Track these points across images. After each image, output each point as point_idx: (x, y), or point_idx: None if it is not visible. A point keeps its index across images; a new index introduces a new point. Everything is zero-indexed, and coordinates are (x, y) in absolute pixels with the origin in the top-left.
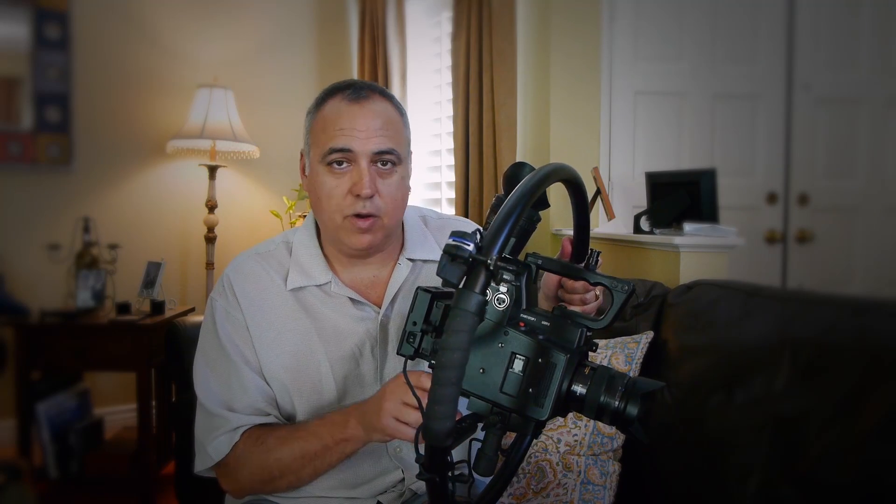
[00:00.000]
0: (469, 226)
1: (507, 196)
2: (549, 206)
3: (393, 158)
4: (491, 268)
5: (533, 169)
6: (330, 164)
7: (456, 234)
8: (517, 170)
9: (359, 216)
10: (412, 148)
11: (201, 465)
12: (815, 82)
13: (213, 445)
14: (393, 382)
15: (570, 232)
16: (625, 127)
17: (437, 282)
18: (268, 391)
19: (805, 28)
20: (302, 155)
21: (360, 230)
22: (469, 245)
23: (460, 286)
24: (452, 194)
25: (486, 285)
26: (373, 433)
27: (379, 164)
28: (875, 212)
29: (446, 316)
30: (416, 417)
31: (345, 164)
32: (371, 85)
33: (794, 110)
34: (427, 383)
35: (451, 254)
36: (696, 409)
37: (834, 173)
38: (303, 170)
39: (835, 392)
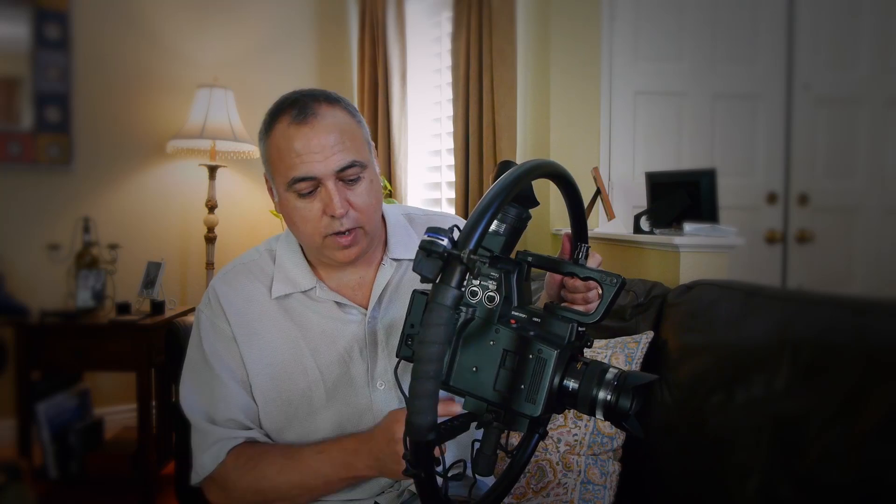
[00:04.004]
0: (456, 221)
1: None
2: (538, 203)
3: (357, 170)
4: (465, 261)
5: None
6: (297, 191)
7: (431, 230)
8: (503, 169)
9: (339, 234)
10: (410, 147)
11: (193, 478)
12: (815, 82)
13: (199, 461)
14: (397, 423)
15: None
16: (625, 127)
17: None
18: (249, 405)
19: (805, 28)
20: (266, 179)
21: (343, 246)
22: (444, 240)
23: (436, 281)
24: (452, 194)
25: (461, 279)
26: (386, 473)
27: (345, 179)
28: (875, 212)
29: None
30: None
31: (312, 189)
32: (314, 94)
33: (794, 110)
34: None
35: (427, 249)
36: (696, 409)
37: (834, 173)
38: (270, 192)
39: (835, 392)
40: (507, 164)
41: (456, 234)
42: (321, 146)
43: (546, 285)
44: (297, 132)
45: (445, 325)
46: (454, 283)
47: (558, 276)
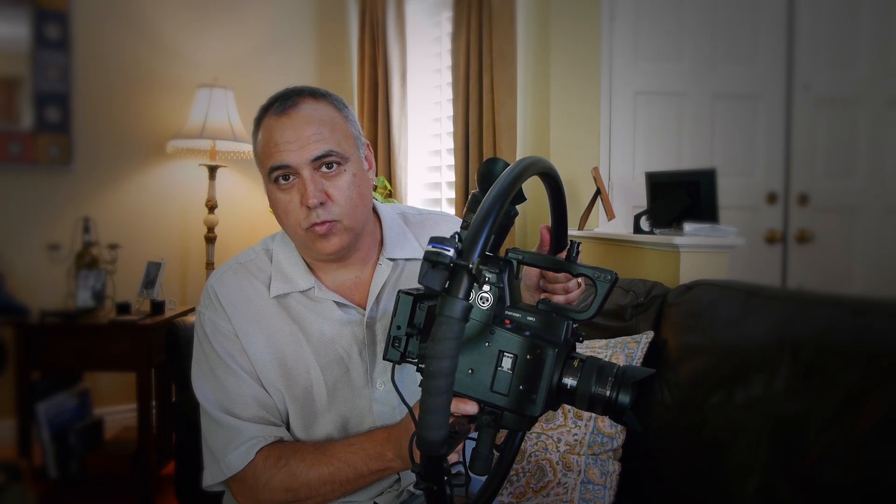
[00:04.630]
0: (450, 222)
1: (482, 192)
2: (525, 199)
3: (335, 159)
4: (473, 272)
5: (506, 164)
6: (276, 181)
7: (435, 240)
8: (490, 167)
9: (316, 224)
10: (410, 147)
11: (212, 478)
12: (815, 82)
13: (226, 460)
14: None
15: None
16: (625, 127)
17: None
18: (266, 399)
19: (805, 28)
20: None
21: (321, 236)
22: (449, 250)
23: (443, 293)
24: (452, 194)
25: (469, 290)
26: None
27: (323, 168)
28: (875, 212)
29: (430, 317)
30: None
31: (291, 178)
32: (299, 90)
33: (794, 110)
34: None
35: (432, 261)
36: (696, 409)
37: (834, 173)
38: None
39: (835, 392)
40: (493, 163)
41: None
42: (297, 136)
43: (524, 276)
44: (276, 123)
45: (456, 338)
46: (462, 293)
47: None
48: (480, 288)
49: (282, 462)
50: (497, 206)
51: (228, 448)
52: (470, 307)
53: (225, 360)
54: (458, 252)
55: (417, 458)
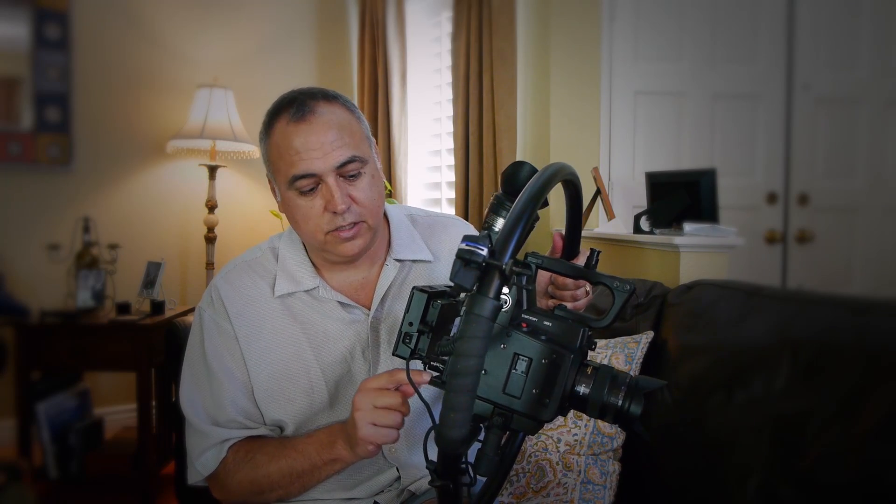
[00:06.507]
0: (458, 225)
1: (506, 195)
2: (547, 204)
3: (357, 165)
4: (506, 272)
5: (532, 168)
6: (298, 188)
7: (468, 239)
8: (516, 169)
9: (341, 229)
10: (410, 147)
11: (192, 478)
12: (815, 82)
13: (200, 461)
14: (360, 392)
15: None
16: (625, 127)
17: (425, 282)
18: (248, 408)
19: (805, 28)
20: (269, 180)
21: (346, 239)
22: (483, 249)
23: (474, 291)
24: (452, 194)
25: (499, 290)
26: (356, 448)
27: (346, 175)
28: (875, 212)
29: (443, 316)
30: (393, 419)
31: (313, 186)
32: (312, 92)
33: (794, 110)
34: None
35: (465, 258)
36: (696, 409)
37: (834, 173)
38: (273, 192)
39: (835, 392)
40: (520, 165)
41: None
42: (320, 143)
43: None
44: (295, 130)
45: (484, 337)
46: (492, 293)
47: (546, 273)
48: (510, 289)
49: (249, 456)
50: (529, 208)
51: (201, 450)
52: (500, 307)
53: (214, 362)
54: (491, 252)
55: (431, 456)
